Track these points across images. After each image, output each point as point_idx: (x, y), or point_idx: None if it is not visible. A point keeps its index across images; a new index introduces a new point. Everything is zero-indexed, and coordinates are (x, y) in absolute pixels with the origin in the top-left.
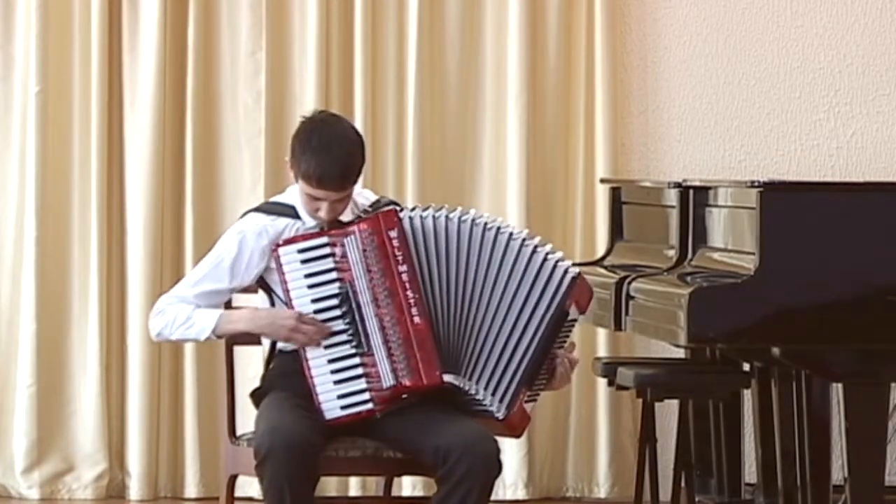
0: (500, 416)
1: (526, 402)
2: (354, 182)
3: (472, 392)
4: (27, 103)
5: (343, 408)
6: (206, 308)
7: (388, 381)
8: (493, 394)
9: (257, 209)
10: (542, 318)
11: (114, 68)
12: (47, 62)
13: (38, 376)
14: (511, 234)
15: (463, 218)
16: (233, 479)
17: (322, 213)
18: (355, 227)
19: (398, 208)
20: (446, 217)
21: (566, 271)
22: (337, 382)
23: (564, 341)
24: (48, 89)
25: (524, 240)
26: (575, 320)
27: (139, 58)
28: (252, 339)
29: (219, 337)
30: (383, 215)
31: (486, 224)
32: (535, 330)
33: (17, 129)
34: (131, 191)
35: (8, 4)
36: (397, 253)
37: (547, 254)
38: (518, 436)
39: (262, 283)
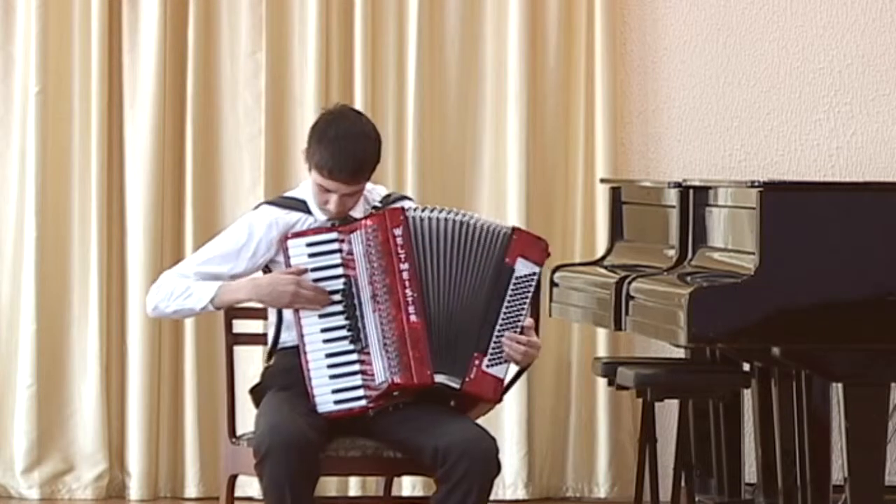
0: (455, 385)
1: (489, 366)
2: (366, 178)
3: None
4: (27, 103)
5: (336, 402)
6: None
7: (380, 377)
8: (449, 372)
9: (270, 202)
10: (482, 279)
11: (114, 68)
12: (47, 62)
13: (38, 376)
14: (488, 228)
15: (467, 221)
16: (233, 479)
17: (331, 206)
18: (361, 223)
19: (405, 207)
20: (453, 220)
21: (498, 232)
22: (333, 377)
23: (523, 301)
24: (48, 89)
25: (492, 229)
26: (531, 276)
27: (139, 58)
28: (253, 338)
29: (217, 308)
30: (389, 213)
31: (485, 226)
32: (477, 292)
33: (17, 129)
34: (131, 191)
35: (8, 4)
36: (400, 251)
37: (488, 227)
38: (493, 401)
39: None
